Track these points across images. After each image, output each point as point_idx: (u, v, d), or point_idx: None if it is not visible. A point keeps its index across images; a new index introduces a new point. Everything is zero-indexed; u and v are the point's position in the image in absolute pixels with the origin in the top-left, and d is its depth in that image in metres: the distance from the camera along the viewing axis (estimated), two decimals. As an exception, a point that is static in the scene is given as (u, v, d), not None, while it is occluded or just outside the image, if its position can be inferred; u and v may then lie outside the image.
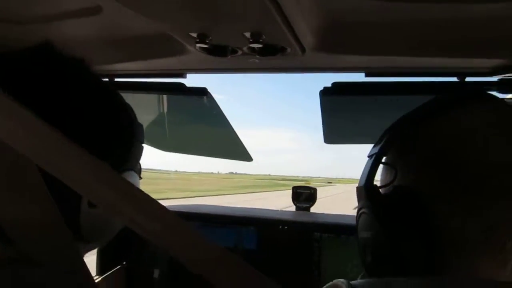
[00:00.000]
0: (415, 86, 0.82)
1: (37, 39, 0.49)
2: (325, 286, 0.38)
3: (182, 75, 0.96)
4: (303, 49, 0.72)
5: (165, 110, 1.22)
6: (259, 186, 48.71)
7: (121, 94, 0.54)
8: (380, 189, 0.48)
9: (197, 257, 0.33)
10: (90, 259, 0.77)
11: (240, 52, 0.72)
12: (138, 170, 0.58)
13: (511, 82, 0.79)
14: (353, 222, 0.56)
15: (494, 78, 0.79)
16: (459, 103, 0.47)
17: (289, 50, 0.71)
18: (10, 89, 0.33)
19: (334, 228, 1.25)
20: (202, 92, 0.96)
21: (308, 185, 1.61)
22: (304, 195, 1.54)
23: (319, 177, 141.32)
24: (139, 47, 0.82)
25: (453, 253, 0.42)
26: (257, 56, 0.73)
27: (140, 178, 0.58)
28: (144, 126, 0.58)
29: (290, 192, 1.56)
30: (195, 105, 1.13)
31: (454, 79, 0.81)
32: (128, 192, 0.33)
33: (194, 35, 0.65)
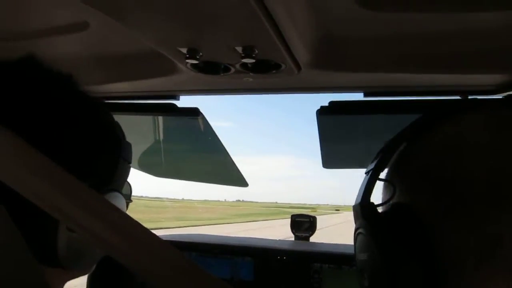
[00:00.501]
0: (417, 104, 0.79)
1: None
2: None
3: (175, 96, 0.93)
4: (298, 67, 0.69)
5: (157, 133, 1.19)
6: (264, 214, 48.29)
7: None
8: (379, 207, 0.45)
9: None
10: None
11: (232, 70, 0.70)
12: (128, 191, 0.54)
13: None
14: (355, 250, 0.52)
15: (499, 96, 0.76)
16: (454, 116, 0.45)
17: (283, 67, 0.68)
18: None
19: (335, 258, 1.19)
20: (194, 112, 0.94)
21: (313, 213, 1.58)
22: (303, 223, 1.50)
23: (327, 204, 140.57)
24: (129, 66, 0.80)
25: (456, 274, 0.38)
26: (251, 74, 0.71)
27: (130, 201, 0.55)
28: (134, 150, 0.56)
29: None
30: (187, 127, 1.10)
31: (457, 97, 0.78)
32: (107, 216, 0.30)
33: (184, 50, 0.63)
